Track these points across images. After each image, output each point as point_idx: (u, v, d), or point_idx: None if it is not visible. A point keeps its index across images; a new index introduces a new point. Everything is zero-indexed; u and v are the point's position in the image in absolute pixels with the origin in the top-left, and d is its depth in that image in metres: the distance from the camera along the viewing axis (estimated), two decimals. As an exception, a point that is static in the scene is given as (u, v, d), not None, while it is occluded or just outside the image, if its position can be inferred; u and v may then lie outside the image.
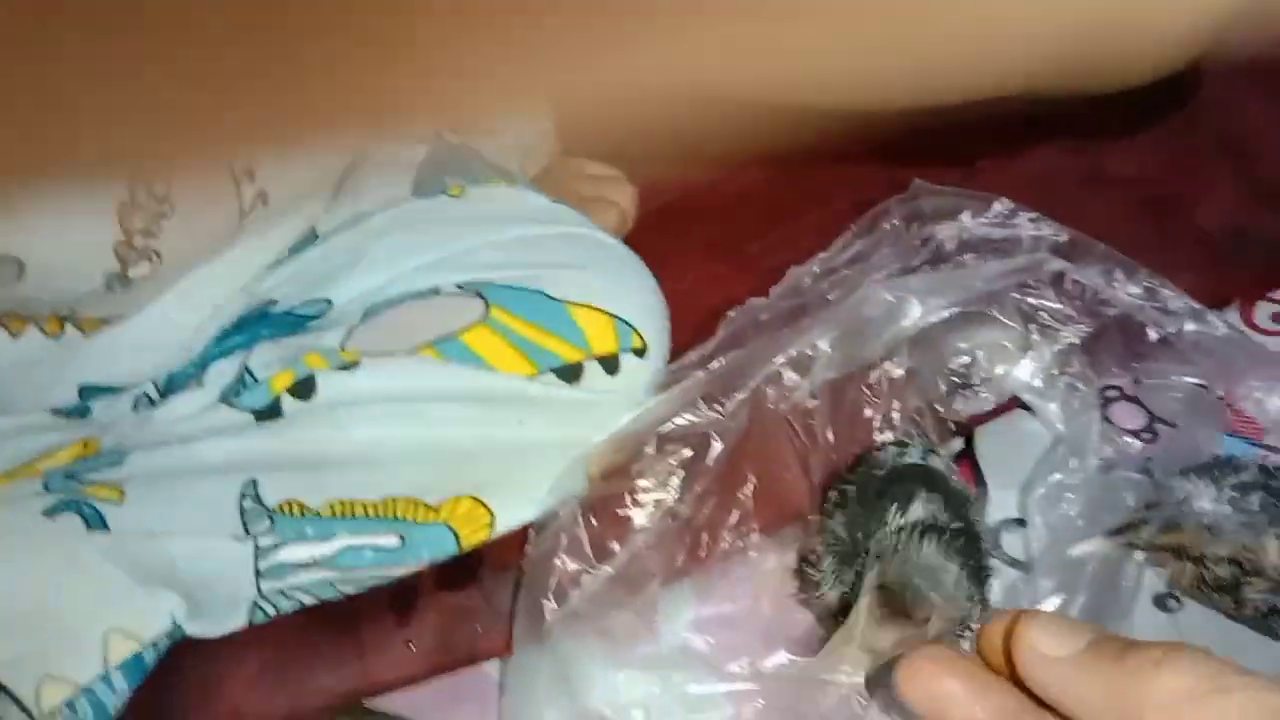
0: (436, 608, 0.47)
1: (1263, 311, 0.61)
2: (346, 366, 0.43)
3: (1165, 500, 0.43)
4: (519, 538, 0.47)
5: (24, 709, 0.41)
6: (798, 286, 0.50)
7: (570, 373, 0.46)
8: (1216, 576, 0.44)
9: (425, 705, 0.47)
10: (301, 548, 0.44)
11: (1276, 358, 0.50)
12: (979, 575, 0.42)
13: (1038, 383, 0.52)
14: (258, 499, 0.44)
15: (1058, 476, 0.49)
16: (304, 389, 0.43)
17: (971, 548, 0.42)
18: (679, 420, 0.47)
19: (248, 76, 0.16)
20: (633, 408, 0.47)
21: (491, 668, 0.49)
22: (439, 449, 0.44)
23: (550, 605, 0.45)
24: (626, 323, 0.47)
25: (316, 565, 0.44)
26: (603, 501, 0.46)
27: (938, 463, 0.48)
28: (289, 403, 0.43)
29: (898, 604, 0.41)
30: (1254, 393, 0.50)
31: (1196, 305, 0.49)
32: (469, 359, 0.45)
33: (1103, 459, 0.50)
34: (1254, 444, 0.53)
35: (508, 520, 0.46)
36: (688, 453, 0.47)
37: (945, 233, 0.53)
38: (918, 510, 0.43)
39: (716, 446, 0.47)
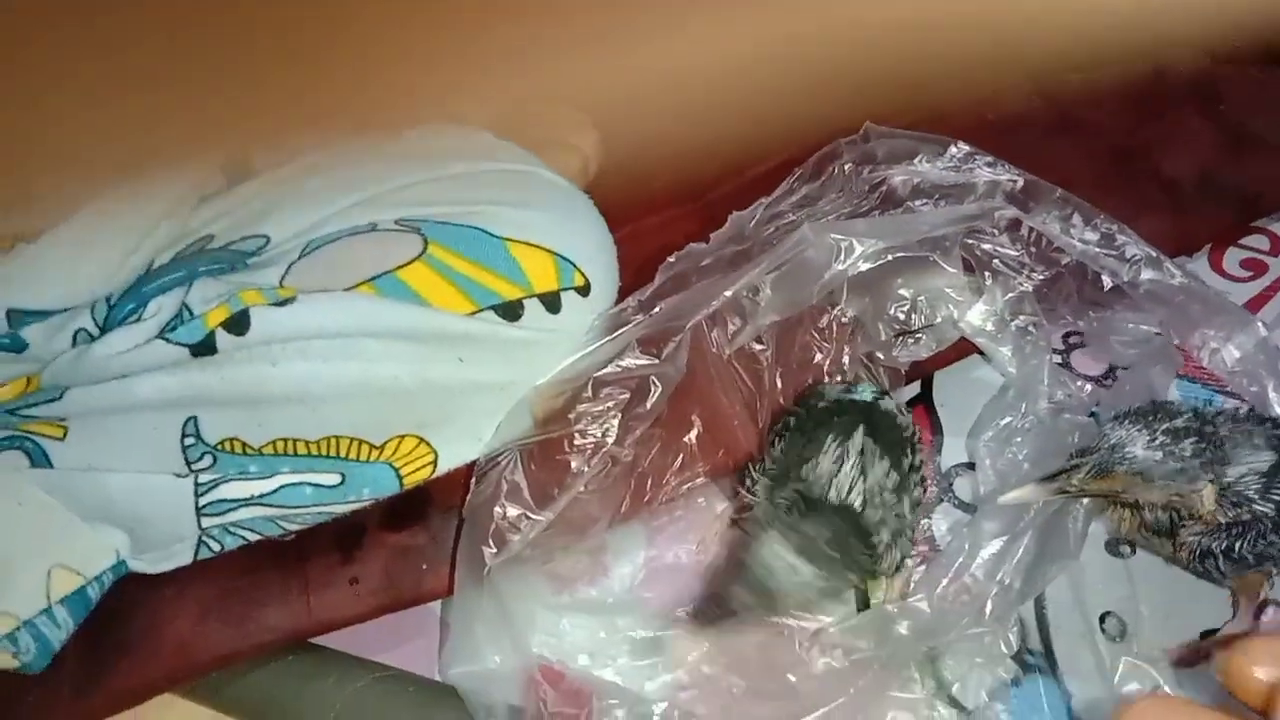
0: (382, 547, 0.47)
1: (1232, 258, 0.60)
2: (281, 302, 0.43)
3: (1099, 446, 0.42)
4: (465, 476, 0.47)
5: (-34, 640, 0.42)
6: (740, 231, 0.50)
7: (510, 310, 0.46)
8: (1156, 520, 0.44)
9: (372, 642, 0.47)
10: (242, 484, 0.44)
11: (1231, 306, 0.49)
12: (903, 515, 0.42)
13: (989, 327, 0.51)
14: (198, 436, 0.44)
15: (1006, 420, 0.49)
16: (238, 324, 0.43)
17: (902, 487, 0.42)
18: (617, 364, 0.46)
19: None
20: (577, 347, 0.47)
21: (438, 606, 0.49)
22: (378, 387, 0.44)
23: (490, 551, 0.45)
24: (569, 260, 0.47)
25: (257, 502, 0.44)
26: (541, 447, 0.46)
27: (887, 404, 0.47)
28: (224, 338, 0.43)
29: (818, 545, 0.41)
30: (1209, 342, 0.50)
31: (1154, 252, 0.48)
32: (406, 295, 0.45)
33: (1053, 403, 0.49)
34: (1209, 388, 0.52)
35: (450, 459, 0.46)
36: (624, 396, 0.46)
37: (898, 177, 0.52)
38: (855, 444, 0.43)
39: (655, 390, 0.47)
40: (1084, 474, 0.42)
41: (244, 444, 0.44)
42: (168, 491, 0.44)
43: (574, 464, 0.46)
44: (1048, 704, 0.45)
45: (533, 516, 0.45)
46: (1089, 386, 0.50)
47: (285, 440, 0.45)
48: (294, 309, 0.43)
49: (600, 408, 0.46)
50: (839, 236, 0.45)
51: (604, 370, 0.46)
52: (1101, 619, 0.47)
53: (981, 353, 0.53)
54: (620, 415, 0.46)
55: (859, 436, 0.43)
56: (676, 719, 0.42)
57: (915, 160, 0.51)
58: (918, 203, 0.49)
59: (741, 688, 0.43)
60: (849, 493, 0.41)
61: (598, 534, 0.48)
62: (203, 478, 0.44)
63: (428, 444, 0.46)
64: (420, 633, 0.48)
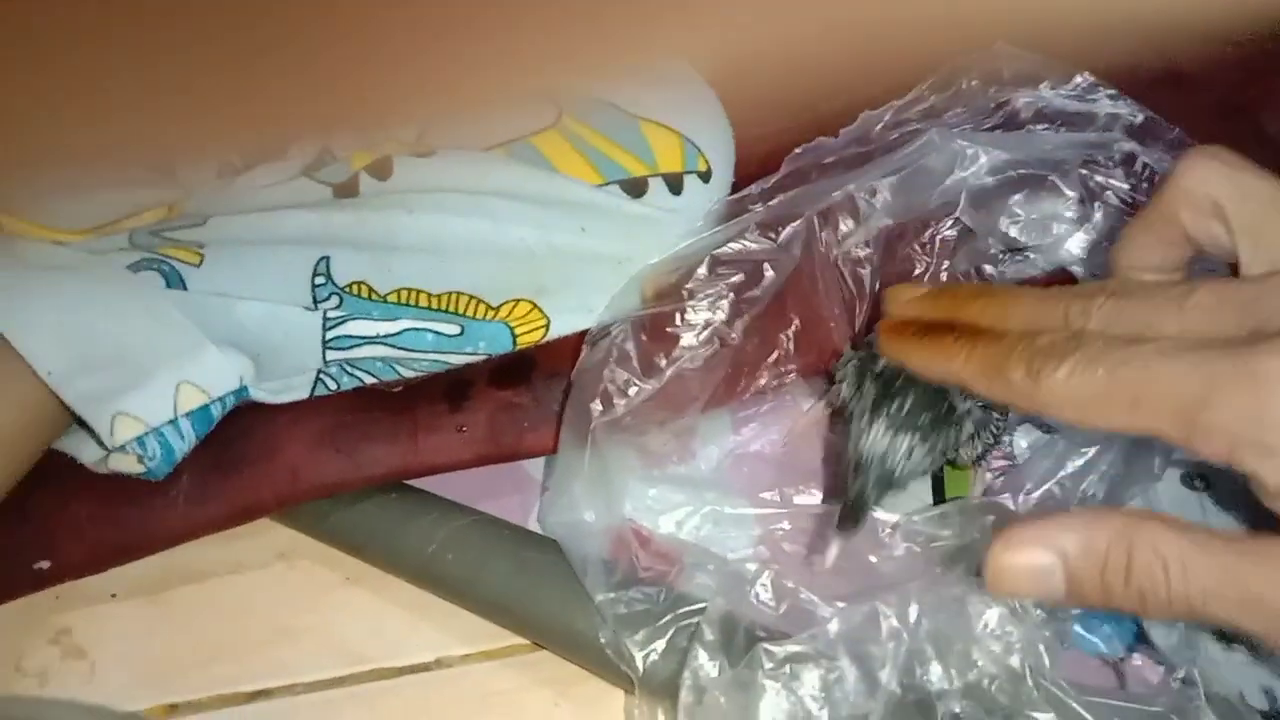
0: (489, 402, 0.49)
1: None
2: (422, 154, 0.45)
3: None
4: (571, 347, 0.49)
5: (98, 441, 0.44)
6: (866, 133, 0.51)
7: (635, 187, 0.47)
8: None
9: (471, 492, 0.49)
10: (368, 324, 0.46)
11: None
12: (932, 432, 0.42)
13: (1084, 254, 0.52)
14: (329, 276, 0.46)
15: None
16: (381, 169, 0.45)
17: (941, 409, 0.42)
18: (734, 245, 0.48)
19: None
20: (693, 231, 0.49)
21: (534, 467, 0.51)
22: (502, 246, 0.46)
23: (597, 409, 0.46)
24: (694, 145, 0.48)
25: (381, 341, 0.46)
26: (654, 319, 0.48)
27: None
28: (366, 181, 0.45)
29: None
30: None
31: None
32: (538, 162, 0.46)
33: None
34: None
35: (561, 326, 0.48)
36: (739, 278, 0.48)
37: (1023, 99, 0.53)
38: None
39: (769, 275, 0.48)
40: None
41: (370, 289, 0.46)
42: (298, 323, 0.46)
43: (683, 339, 0.47)
44: (1117, 616, 0.47)
45: (639, 384, 0.46)
46: None
47: (409, 290, 0.46)
48: (433, 160, 0.45)
49: (714, 286, 0.47)
50: (965, 144, 0.46)
51: (721, 249, 0.47)
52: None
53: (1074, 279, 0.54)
54: (732, 295, 0.47)
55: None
56: (768, 577, 0.44)
57: (1040, 85, 0.52)
58: (1039, 126, 0.50)
59: (824, 564, 0.45)
60: None
61: (691, 414, 0.50)
62: (330, 314, 0.46)
63: (540, 310, 0.48)
64: (516, 489, 0.50)
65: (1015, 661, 0.44)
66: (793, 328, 0.51)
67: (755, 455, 0.52)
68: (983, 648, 0.44)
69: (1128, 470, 0.47)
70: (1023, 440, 0.52)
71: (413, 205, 0.45)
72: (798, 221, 0.48)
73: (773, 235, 0.48)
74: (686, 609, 0.44)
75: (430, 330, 0.46)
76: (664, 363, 0.48)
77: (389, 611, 0.48)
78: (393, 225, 0.45)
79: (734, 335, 0.49)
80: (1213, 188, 0.34)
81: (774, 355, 0.51)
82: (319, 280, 0.46)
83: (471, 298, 0.47)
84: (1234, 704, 0.44)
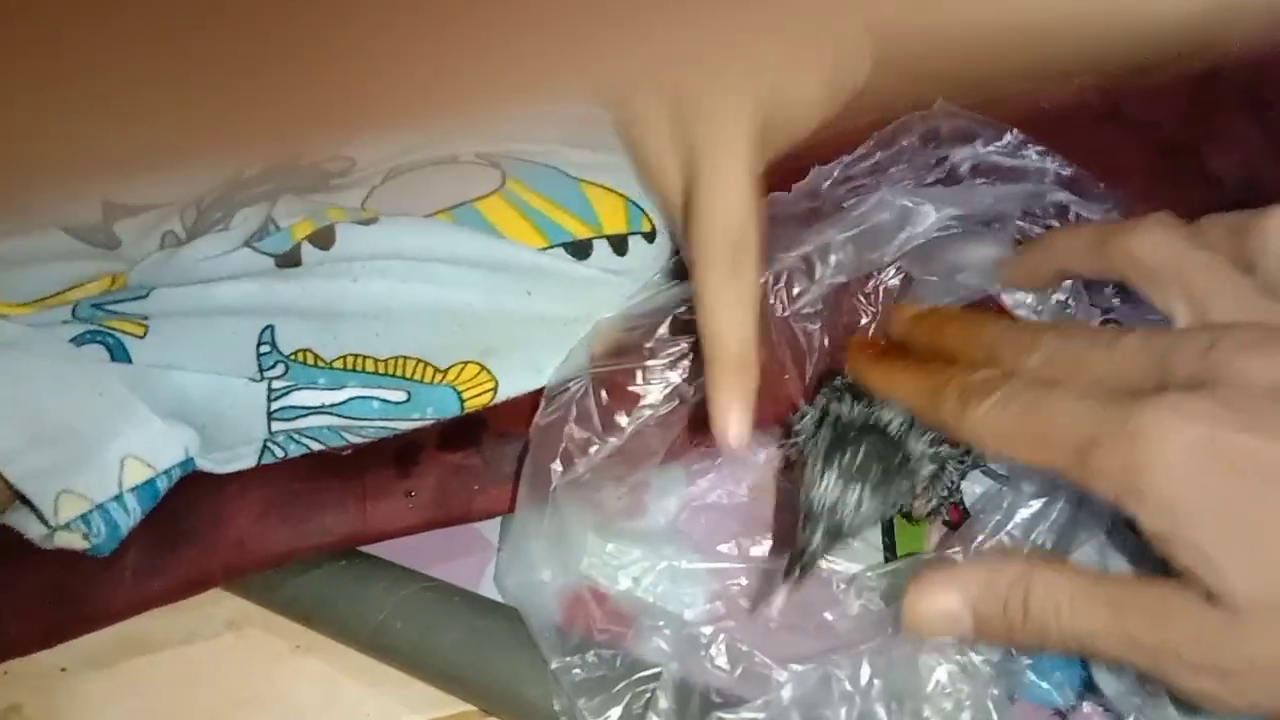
0: (437, 465, 0.49)
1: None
2: (365, 222, 0.45)
3: None
4: (521, 407, 0.49)
5: (42, 519, 0.44)
6: (816, 188, 0.51)
7: (579, 249, 0.48)
8: None
9: (422, 557, 0.49)
10: (312, 393, 0.46)
11: None
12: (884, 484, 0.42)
13: (1030, 300, 0.53)
14: (274, 345, 0.46)
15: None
16: (323, 239, 0.45)
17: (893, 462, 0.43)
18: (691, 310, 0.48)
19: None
20: (649, 284, 0.49)
21: (487, 528, 0.51)
22: (450, 312, 0.46)
23: (557, 470, 0.47)
24: (638, 206, 0.49)
25: (326, 410, 0.46)
26: (614, 376, 0.48)
27: None
28: (309, 251, 0.45)
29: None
30: None
31: None
32: (482, 226, 0.47)
33: None
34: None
35: (509, 387, 0.48)
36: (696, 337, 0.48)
37: (959, 155, 0.54)
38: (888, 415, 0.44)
39: None
40: None
41: (316, 356, 0.46)
42: (242, 394, 0.46)
43: (644, 397, 0.48)
44: (1067, 665, 0.47)
45: (599, 441, 0.47)
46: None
47: (356, 356, 0.46)
48: (375, 229, 0.45)
49: (675, 346, 0.48)
50: (913, 201, 0.47)
51: (681, 310, 0.47)
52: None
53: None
54: (692, 355, 0.48)
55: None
56: (722, 641, 0.44)
57: (975, 141, 0.53)
58: (977, 181, 0.51)
59: (777, 622, 0.45)
60: (889, 423, 0.43)
61: (647, 469, 0.50)
62: (275, 384, 0.46)
63: (489, 372, 0.48)
64: (468, 551, 0.50)
65: (966, 718, 0.44)
66: None
67: (712, 507, 0.53)
68: (934, 705, 0.45)
69: (1075, 520, 0.48)
70: (976, 487, 0.53)
71: (357, 274, 0.45)
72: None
73: None
74: (642, 674, 0.44)
75: (376, 398, 0.46)
76: (624, 420, 0.48)
77: (340, 680, 0.47)
78: (337, 293, 0.45)
79: (694, 394, 0.49)
80: (1158, 258, 0.38)
81: None
82: (264, 349, 0.46)
83: (419, 361, 0.47)
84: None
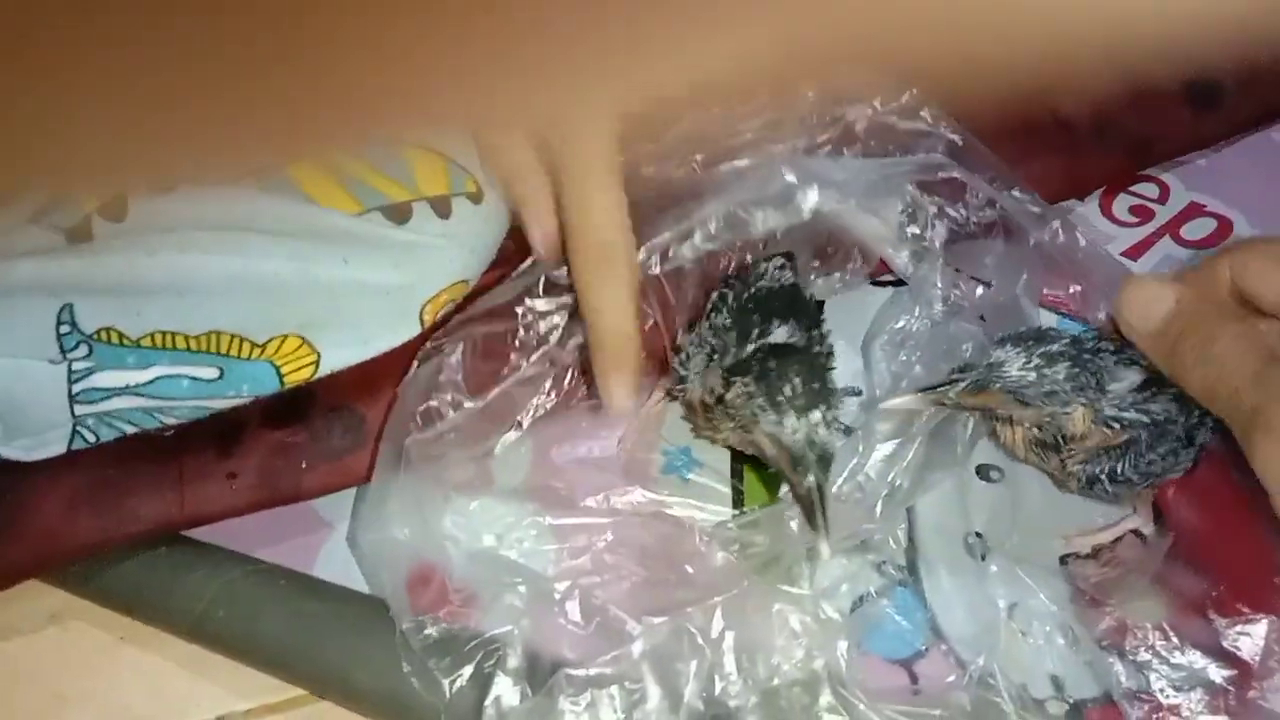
0: (261, 444, 0.47)
1: (1121, 204, 0.62)
2: (160, 191, 0.43)
3: (979, 363, 0.44)
4: (354, 379, 0.47)
5: None
6: (702, 134, 0.50)
7: (397, 212, 0.46)
8: (1040, 438, 0.46)
9: (251, 540, 0.47)
10: (117, 374, 0.44)
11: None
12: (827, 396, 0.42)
13: (905, 258, 0.52)
14: (74, 324, 0.44)
15: (901, 323, 0.50)
16: (115, 210, 0.42)
17: (820, 372, 0.43)
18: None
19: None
20: (470, 254, 0.47)
21: (324, 507, 0.49)
22: (260, 283, 0.44)
23: (416, 428, 0.45)
24: (460, 167, 0.47)
25: (132, 391, 0.44)
26: (485, 338, 0.47)
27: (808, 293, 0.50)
28: (99, 224, 0.42)
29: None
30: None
31: (1070, 219, 0.51)
32: (292, 192, 0.44)
33: (947, 305, 0.50)
34: (1069, 316, 0.54)
35: (332, 360, 0.46)
36: (571, 299, 0.47)
37: (855, 113, 0.53)
38: (782, 333, 0.44)
39: None
40: (961, 389, 0.44)
41: (121, 334, 0.44)
42: (40, 377, 0.43)
43: (513, 358, 0.47)
44: (913, 614, 0.47)
45: (463, 402, 0.46)
46: (980, 289, 0.51)
47: (165, 333, 0.44)
48: (174, 198, 0.43)
49: (548, 306, 0.47)
50: (797, 176, 0.47)
51: (558, 272, 0.46)
52: (966, 538, 0.49)
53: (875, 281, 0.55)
54: (567, 318, 0.46)
55: (791, 309, 0.45)
56: (577, 596, 0.43)
57: (874, 99, 0.52)
58: (871, 141, 0.51)
59: (641, 576, 0.45)
60: (797, 340, 0.44)
61: (495, 439, 0.49)
62: (77, 365, 0.44)
63: (310, 345, 0.46)
64: (303, 531, 0.48)
65: (817, 666, 0.44)
66: None
67: (582, 461, 0.51)
68: (785, 654, 0.44)
69: (930, 459, 0.48)
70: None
71: (154, 246, 0.43)
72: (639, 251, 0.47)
73: None
74: (494, 633, 0.43)
75: (186, 376, 0.44)
76: (493, 381, 0.47)
77: (168, 670, 0.46)
78: (134, 268, 0.43)
79: (567, 357, 0.48)
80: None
81: None
82: (64, 329, 0.44)
83: (234, 336, 0.45)
84: (1025, 696, 0.45)
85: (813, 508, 0.41)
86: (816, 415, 0.41)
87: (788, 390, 0.41)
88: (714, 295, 0.48)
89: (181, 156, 0.17)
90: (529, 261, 0.47)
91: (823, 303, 0.54)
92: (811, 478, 0.41)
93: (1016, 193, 0.51)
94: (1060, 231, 0.50)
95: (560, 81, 0.16)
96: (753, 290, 0.47)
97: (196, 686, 0.45)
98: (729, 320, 0.46)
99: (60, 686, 0.46)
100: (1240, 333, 0.39)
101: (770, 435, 0.41)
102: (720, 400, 0.43)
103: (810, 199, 0.50)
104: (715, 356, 0.45)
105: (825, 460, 0.41)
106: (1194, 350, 0.40)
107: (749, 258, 0.52)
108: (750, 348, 0.44)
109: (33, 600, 0.47)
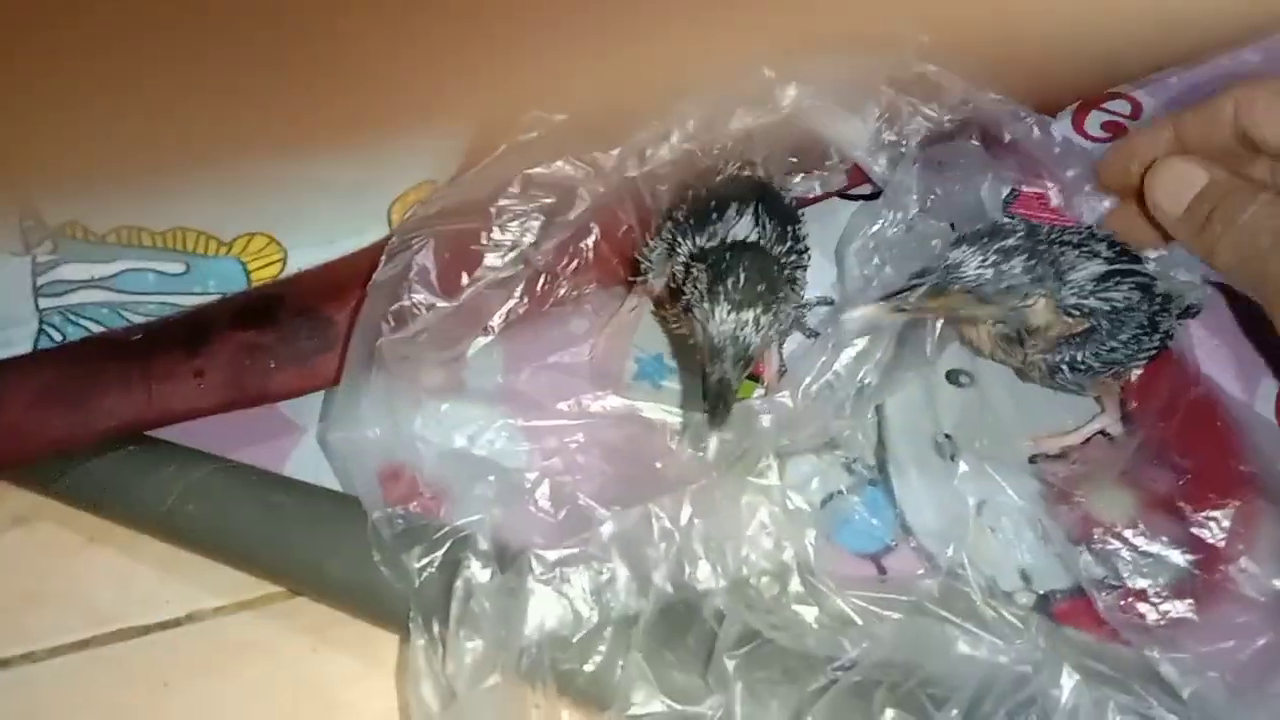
0: (229, 344, 0.47)
1: (1094, 120, 0.62)
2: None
3: (937, 266, 0.44)
4: (323, 281, 0.47)
5: None
6: None
7: (364, 109, 0.45)
8: (1004, 334, 0.46)
9: (224, 441, 0.47)
10: (82, 266, 0.44)
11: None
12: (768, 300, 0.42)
13: (883, 165, 0.52)
14: (38, 218, 0.43)
15: (875, 227, 0.50)
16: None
17: (770, 275, 0.43)
18: (549, 166, 0.46)
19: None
20: (440, 148, 0.47)
21: (292, 410, 0.49)
22: (223, 178, 0.44)
23: (388, 328, 0.45)
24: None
25: (97, 284, 0.44)
26: (457, 236, 0.46)
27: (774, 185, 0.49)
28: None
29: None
30: (1087, 201, 0.52)
31: (1042, 117, 0.50)
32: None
33: (923, 211, 0.50)
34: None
35: (300, 259, 0.46)
36: (550, 200, 0.47)
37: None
38: (745, 226, 0.44)
39: (581, 202, 0.47)
40: (921, 293, 0.44)
41: (86, 229, 0.44)
42: (4, 269, 0.43)
43: (487, 258, 0.46)
44: (883, 512, 0.47)
45: (435, 302, 0.45)
46: (958, 186, 0.51)
47: (130, 229, 0.44)
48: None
49: (524, 207, 0.46)
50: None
51: (535, 170, 0.45)
52: (935, 439, 0.49)
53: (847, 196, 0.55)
54: (543, 218, 0.46)
55: (756, 205, 0.45)
56: (547, 486, 0.44)
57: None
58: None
59: (612, 474, 0.45)
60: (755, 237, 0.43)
61: (465, 344, 0.49)
62: (41, 258, 0.43)
63: (277, 243, 0.46)
64: (272, 434, 0.48)
65: (786, 557, 0.44)
66: (592, 238, 0.50)
67: (554, 367, 0.51)
68: (754, 544, 0.44)
69: (898, 359, 0.48)
70: (789, 347, 0.52)
71: (118, 140, 0.42)
72: (617, 150, 0.47)
73: (587, 160, 0.46)
74: (464, 520, 0.43)
75: (152, 270, 0.44)
76: (465, 281, 0.46)
77: (137, 569, 0.46)
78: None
79: (540, 259, 0.48)
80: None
81: (573, 265, 0.50)
82: (28, 223, 0.43)
83: (200, 233, 0.45)
84: (994, 587, 0.45)
85: (717, 400, 0.41)
86: (749, 314, 0.41)
87: (730, 282, 0.41)
88: (677, 194, 0.48)
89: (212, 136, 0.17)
90: (501, 149, 0.46)
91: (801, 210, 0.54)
92: (724, 370, 0.41)
93: (991, 94, 0.51)
94: (1035, 128, 0.49)
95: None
96: (714, 184, 0.47)
97: (167, 585, 0.45)
98: (688, 213, 0.46)
99: (27, 586, 0.46)
100: (1270, 199, 0.39)
101: (700, 322, 0.41)
102: (679, 291, 0.43)
103: (789, 95, 0.48)
104: (676, 248, 0.45)
105: (742, 359, 0.41)
106: (1222, 220, 0.40)
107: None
108: (712, 240, 0.44)
109: (-1, 502, 0.46)
